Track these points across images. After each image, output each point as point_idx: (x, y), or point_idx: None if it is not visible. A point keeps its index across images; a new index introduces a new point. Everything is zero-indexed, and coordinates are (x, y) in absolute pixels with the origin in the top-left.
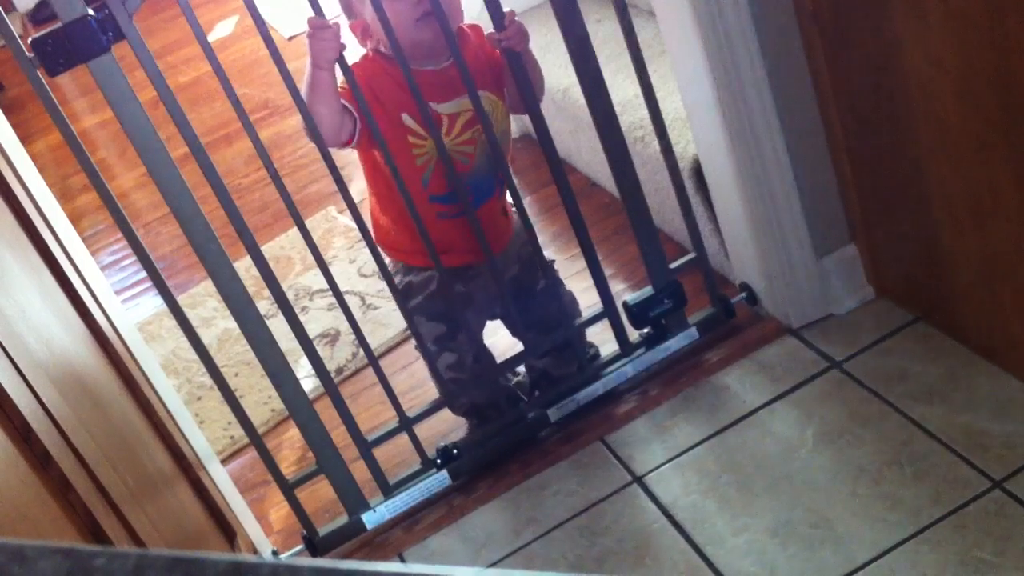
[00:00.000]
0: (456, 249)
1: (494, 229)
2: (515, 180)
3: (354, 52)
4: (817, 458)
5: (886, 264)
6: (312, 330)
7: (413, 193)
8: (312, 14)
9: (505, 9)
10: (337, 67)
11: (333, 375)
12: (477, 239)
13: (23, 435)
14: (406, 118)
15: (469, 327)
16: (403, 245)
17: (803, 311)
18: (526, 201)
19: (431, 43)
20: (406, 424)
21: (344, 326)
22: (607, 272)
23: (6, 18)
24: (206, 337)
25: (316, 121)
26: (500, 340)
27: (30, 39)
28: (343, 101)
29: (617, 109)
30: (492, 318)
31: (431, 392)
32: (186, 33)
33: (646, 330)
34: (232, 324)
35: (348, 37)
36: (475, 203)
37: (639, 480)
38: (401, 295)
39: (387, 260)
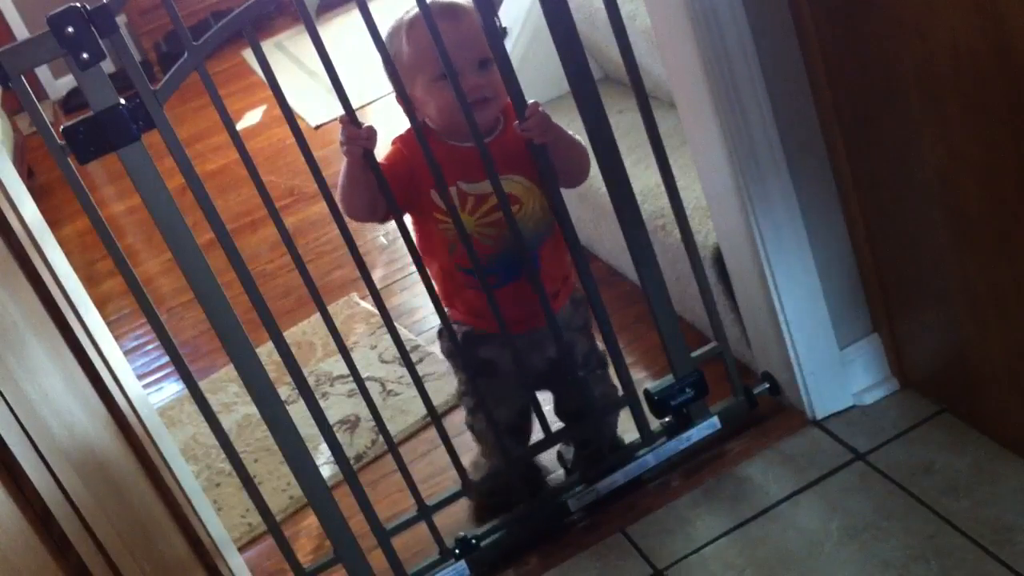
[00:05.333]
0: (485, 317)
1: (521, 309)
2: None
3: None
4: (842, 552)
5: (910, 355)
6: (332, 416)
7: (442, 261)
8: (343, 111)
9: (529, 99)
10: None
11: (352, 462)
12: (503, 314)
13: (42, 519)
14: (433, 194)
15: (490, 392)
16: (442, 294)
17: (826, 402)
18: None
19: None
20: (425, 513)
21: (364, 412)
22: (628, 360)
23: (39, 106)
24: (226, 423)
25: (349, 206)
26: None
27: (62, 127)
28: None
29: (639, 198)
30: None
31: (451, 480)
32: (214, 122)
33: (667, 419)
34: (252, 410)
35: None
36: (502, 281)
37: (660, 573)
38: (440, 340)
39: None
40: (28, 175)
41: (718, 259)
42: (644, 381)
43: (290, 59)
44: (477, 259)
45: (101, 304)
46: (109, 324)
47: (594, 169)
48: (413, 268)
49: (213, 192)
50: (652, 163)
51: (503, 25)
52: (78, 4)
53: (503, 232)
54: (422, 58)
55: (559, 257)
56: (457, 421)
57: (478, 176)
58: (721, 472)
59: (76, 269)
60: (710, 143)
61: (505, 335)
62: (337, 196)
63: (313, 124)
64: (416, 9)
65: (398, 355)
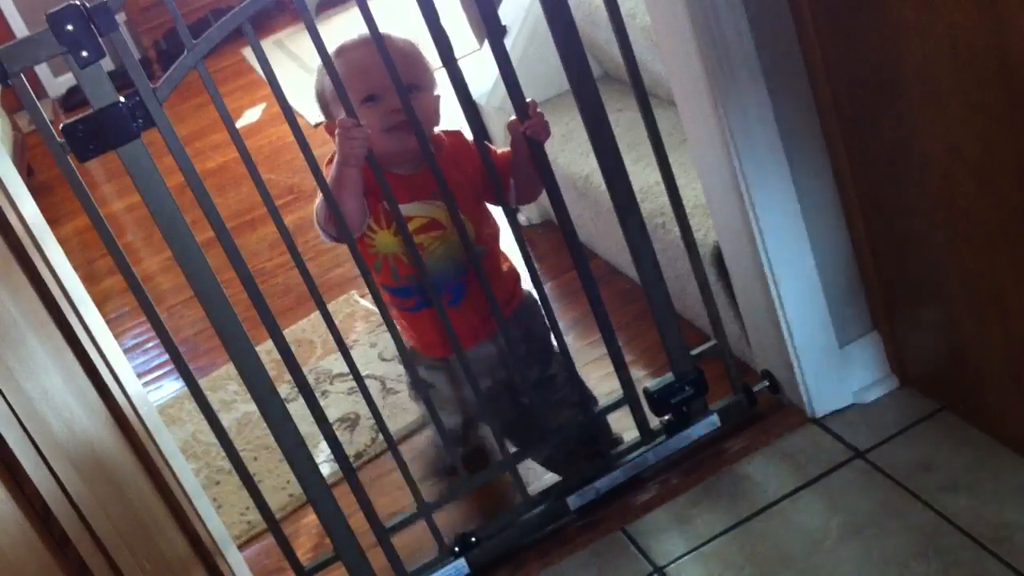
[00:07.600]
0: (408, 336)
1: (440, 333)
2: (547, 293)
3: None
4: (842, 550)
5: (910, 353)
6: (332, 414)
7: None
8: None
9: (528, 98)
10: None
11: (352, 460)
12: (426, 337)
13: (42, 517)
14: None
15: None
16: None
17: (826, 400)
18: (547, 287)
19: (396, 151)
20: (425, 511)
21: (364, 410)
22: (628, 358)
23: (38, 104)
24: (226, 421)
25: (344, 213)
26: None
27: (61, 125)
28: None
29: (638, 196)
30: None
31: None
32: (214, 120)
33: (667, 417)
34: (252, 408)
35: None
36: (419, 305)
37: (660, 571)
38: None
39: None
40: (28, 173)
41: (718, 257)
42: (644, 379)
43: (290, 57)
44: (423, 267)
45: (101, 302)
46: (109, 322)
47: (594, 166)
48: None
49: (212, 190)
50: (652, 161)
51: (503, 23)
52: (78, 2)
53: (423, 254)
54: (347, 82)
55: (492, 285)
56: None
57: (402, 198)
58: (720, 470)
59: (76, 267)
60: (710, 141)
61: (462, 354)
62: (321, 216)
63: (313, 122)
64: (348, 39)
65: (397, 353)
